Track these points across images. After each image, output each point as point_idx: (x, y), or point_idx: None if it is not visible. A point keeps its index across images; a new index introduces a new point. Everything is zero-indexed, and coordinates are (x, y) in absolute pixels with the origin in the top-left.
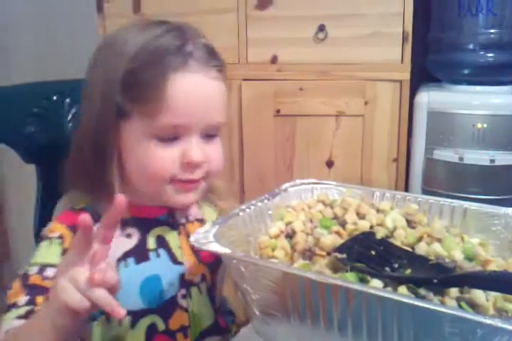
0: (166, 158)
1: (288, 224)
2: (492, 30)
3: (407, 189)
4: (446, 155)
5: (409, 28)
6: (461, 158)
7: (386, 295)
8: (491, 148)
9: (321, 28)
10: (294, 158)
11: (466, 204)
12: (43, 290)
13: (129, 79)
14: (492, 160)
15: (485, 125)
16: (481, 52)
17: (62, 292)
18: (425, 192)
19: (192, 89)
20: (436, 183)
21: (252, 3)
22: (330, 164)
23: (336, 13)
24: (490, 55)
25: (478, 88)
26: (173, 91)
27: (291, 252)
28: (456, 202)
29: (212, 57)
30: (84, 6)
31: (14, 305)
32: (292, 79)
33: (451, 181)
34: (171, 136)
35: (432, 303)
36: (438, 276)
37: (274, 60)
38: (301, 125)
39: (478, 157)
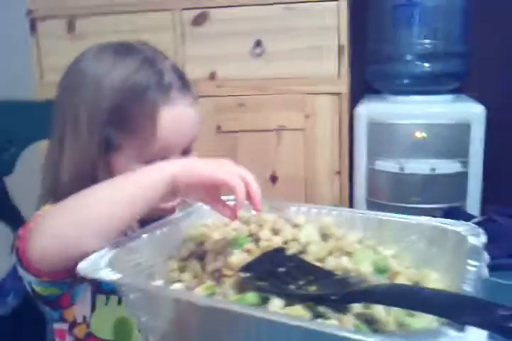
0: None
1: (201, 243)
2: (426, 41)
3: (351, 201)
4: (387, 165)
5: (344, 40)
6: (401, 168)
7: (265, 316)
8: (431, 157)
9: (258, 43)
10: None
11: (381, 215)
12: None
13: (117, 115)
14: (432, 169)
15: (424, 134)
16: (417, 63)
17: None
18: (370, 203)
19: (178, 119)
20: (380, 194)
21: (188, 20)
22: (274, 179)
23: (272, 28)
24: (426, 65)
25: (417, 98)
26: (162, 125)
27: (202, 274)
28: (368, 214)
29: (184, 81)
30: (18, 24)
31: None
32: (232, 94)
33: (394, 191)
34: (157, 159)
35: (312, 322)
36: (337, 293)
37: (212, 76)
38: (242, 141)
39: (419, 166)
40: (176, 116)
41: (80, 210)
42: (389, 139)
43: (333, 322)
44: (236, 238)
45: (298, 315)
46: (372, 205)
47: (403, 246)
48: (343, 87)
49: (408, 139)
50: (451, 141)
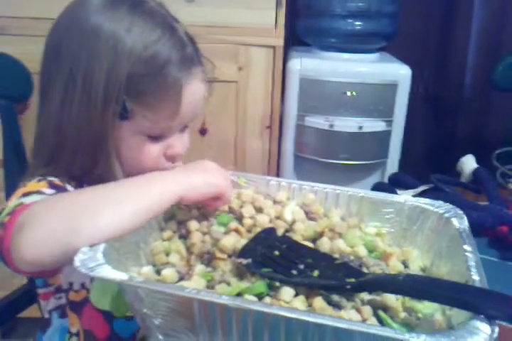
0: (154, 152)
1: (180, 222)
2: None
3: (279, 155)
4: (317, 122)
5: None
6: (331, 125)
7: (297, 316)
8: (359, 115)
9: None
10: None
11: (362, 192)
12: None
13: (136, 85)
14: (360, 127)
15: (353, 93)
16: (350, 20)
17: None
18: (297, 158)
19: (194, 97)
20: (308, 149)
21: None
22: (203, 131)
23: None
24: (358, 23)
25: (344, 55)
26: (182, 101)
27: (188, 255)
28: (351, 191)
29: (199, 53)
30: None
31: (38, 192)
32: None
33: (322, 147)
34: (161, 135)
35: (350, 323)
36: (351, 283)
37: None
38: None
39: (347, 124)
40: (192, 93)
41: (81, 208)
42: (319, 96)
43: (352, 312)
44: (219, 217)
45: (320, 307)
46: (300, 160)
47: (383, 223)
48: (279, 40)
49: (338, 97)
50: (378, 100)
